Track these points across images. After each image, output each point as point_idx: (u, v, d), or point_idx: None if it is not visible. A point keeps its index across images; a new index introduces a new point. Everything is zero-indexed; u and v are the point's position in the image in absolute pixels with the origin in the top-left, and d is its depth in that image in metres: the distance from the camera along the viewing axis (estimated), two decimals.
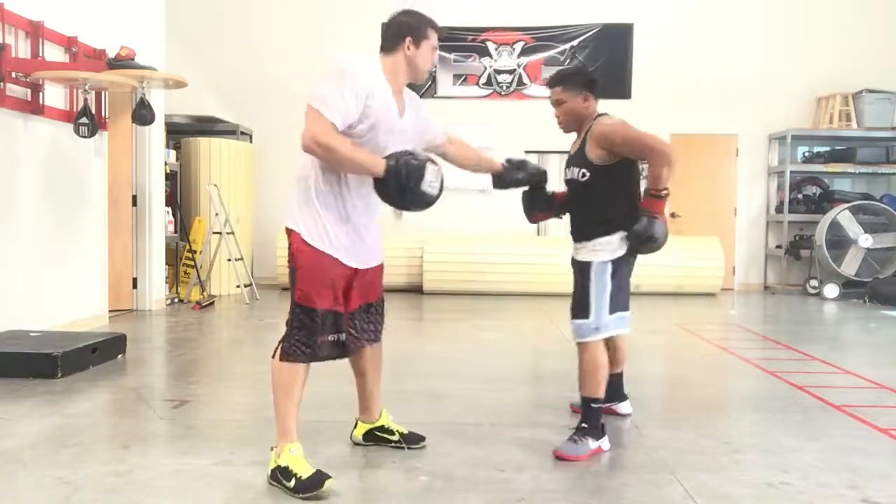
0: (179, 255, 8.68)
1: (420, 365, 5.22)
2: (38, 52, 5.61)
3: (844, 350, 6.26)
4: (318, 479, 2.74)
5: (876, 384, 4.66)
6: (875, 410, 4.01)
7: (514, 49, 10.43)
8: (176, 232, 8.42)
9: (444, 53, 10.46)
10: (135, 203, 7.53)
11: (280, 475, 2.79)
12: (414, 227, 10.35)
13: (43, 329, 5.37)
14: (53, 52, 5.85)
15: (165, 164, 8.05)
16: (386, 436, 3.28)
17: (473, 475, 2.96)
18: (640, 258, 3.39)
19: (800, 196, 10.42)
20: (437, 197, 2.85)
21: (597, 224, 3.33)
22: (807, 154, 10.56)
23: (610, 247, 3.30)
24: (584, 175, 3.33)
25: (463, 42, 10.50)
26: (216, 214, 8.40)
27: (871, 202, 9.84)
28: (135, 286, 7.55)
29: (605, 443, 3.29)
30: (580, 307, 3.32)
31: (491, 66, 10.51)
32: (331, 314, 2.88)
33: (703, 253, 9.57)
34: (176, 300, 8.27)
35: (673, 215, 10.54)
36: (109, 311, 6.82)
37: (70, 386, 4.40)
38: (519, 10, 10.35)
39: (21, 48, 5.48)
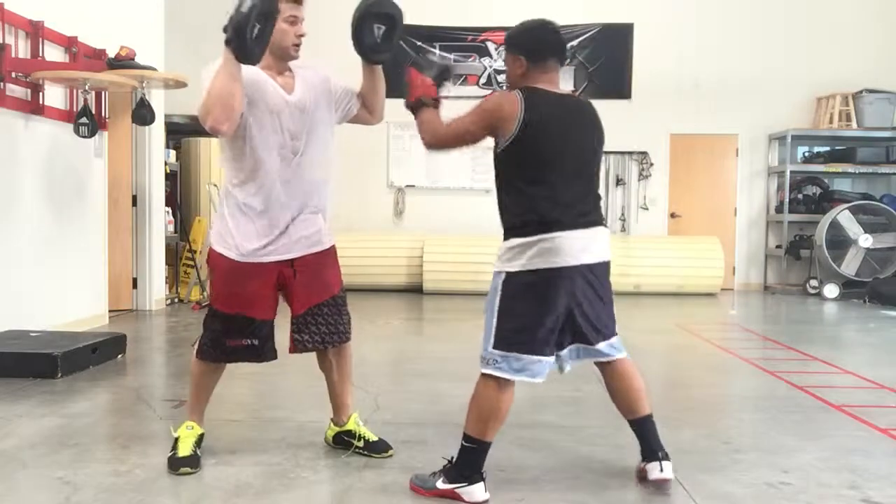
0: (179, 255, 8.67)
1: (420, 365, 5.22)
2: (38, 52, 5.61)
3: (844, 350, 6.26)
4: (180, 463, 2.98)
5: (876, 384, 4.66)
6: (875, 410, 4.01)
7: None
8: (176, 232, 8.42)
9: (444, 53, 10.47)
10: (135, 203, 7.53)
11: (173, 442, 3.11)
12: (414, 227, 10.37)
13: (43, 329, 5.37)
14: (53, 52, 5.85)
15: (165, 164, 8.05)
16: (352, 440, 3.23)
17: None
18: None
19: (800, 196, 10.42)
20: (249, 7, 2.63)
21: (504, 223, 2.77)
22: (807, 154, 10.56)
23: (508, 254, 2.69)
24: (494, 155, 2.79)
25: (463, 42, 10.50)
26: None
27: (871, 202, 9.83)
28: (135, 286, 7.55)
29: (471, 492, 2.69)
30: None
31: (491, 66, 10.51)
32: (239, 318, 2.98)
33: (703, 253, 9.57)
34: (176, 300, 8.26)
35: (673, 215, 10.56)
36: (109, 311, 6.82)
37: (70, 386, 4.40)
38: (519, 11, 10.31)
39: (21, 48, 5.48)
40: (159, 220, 7.81)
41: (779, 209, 10.43)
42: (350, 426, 3.25)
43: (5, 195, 5.36)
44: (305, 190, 3.02)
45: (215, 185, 8.48)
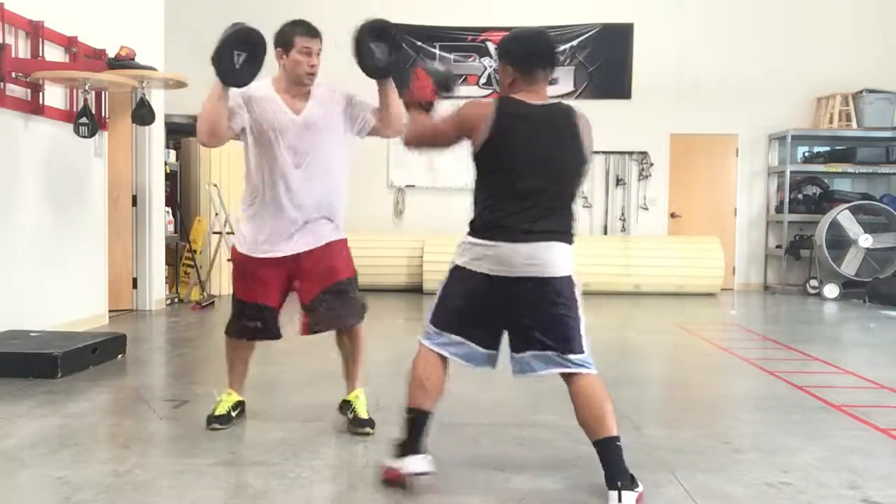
0: (179, 255, 8.67)
1: None
2: (38, 52, 5.60)
3: (844, 350, 6.26)
4: (213, 420, 3.50)
5: (876, 384, 4.66)
6: (875, 410, 4.01)
7: None
8: (176, 232, 8.42)
9: (444, 53, 10.46)
10: (135, 203, 7.53)
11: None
12: (414, 227, 10.37)
13: (43, 329, 5.37)
14: (53, 52, 5.84)
15: (165, 164, 8.04)
16: (346, 411, 3.55)
17: (473, 475, 2.96)
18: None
19: (800, 196, 10.43)
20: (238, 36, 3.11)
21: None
22: (807, 154, 10.57)
23: (458, 249, 2.86)
24: None
25: (463, 42, 10.50)
26: (216, 214, 8.39)
27: (871, 202, 9.84)
28: (135, 286, 7.54)
29: (405, 464, 2.75)
30: None
31: (491, 66, 10.50)
32: (247, 304, 3.46)
33: (703, 253, 9.57)
34: (176, 300, 8.26)
35: (673, 215, 10.56)
36: (109, 311, 6.82)
37: (70, 386, 4.40)
38: (519, 11, 10.35)
39: (21, 48, 5.48)
40: (159, 220, 7.80)
41: (779, 209, 10.43)
42: (350, 398, 3.57)
43: (5, 195, 5.35)
44: (311, 201, 3.35)
45: (215, 185, 8.48)
